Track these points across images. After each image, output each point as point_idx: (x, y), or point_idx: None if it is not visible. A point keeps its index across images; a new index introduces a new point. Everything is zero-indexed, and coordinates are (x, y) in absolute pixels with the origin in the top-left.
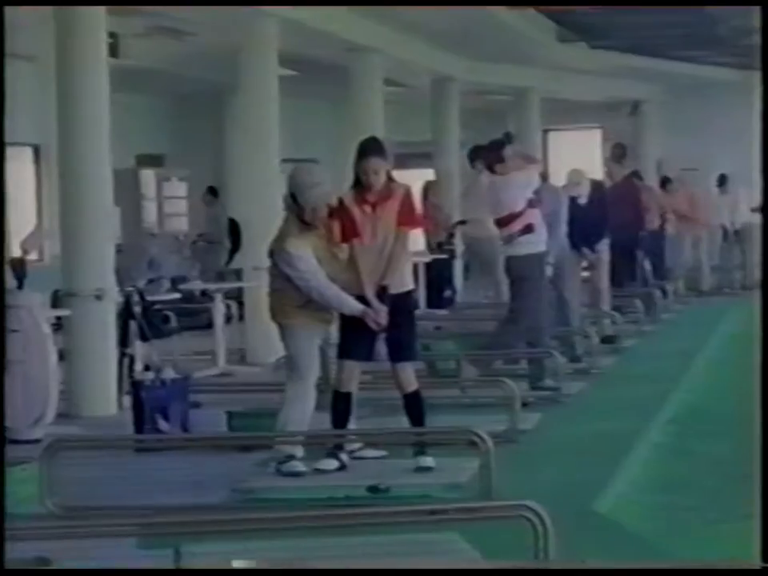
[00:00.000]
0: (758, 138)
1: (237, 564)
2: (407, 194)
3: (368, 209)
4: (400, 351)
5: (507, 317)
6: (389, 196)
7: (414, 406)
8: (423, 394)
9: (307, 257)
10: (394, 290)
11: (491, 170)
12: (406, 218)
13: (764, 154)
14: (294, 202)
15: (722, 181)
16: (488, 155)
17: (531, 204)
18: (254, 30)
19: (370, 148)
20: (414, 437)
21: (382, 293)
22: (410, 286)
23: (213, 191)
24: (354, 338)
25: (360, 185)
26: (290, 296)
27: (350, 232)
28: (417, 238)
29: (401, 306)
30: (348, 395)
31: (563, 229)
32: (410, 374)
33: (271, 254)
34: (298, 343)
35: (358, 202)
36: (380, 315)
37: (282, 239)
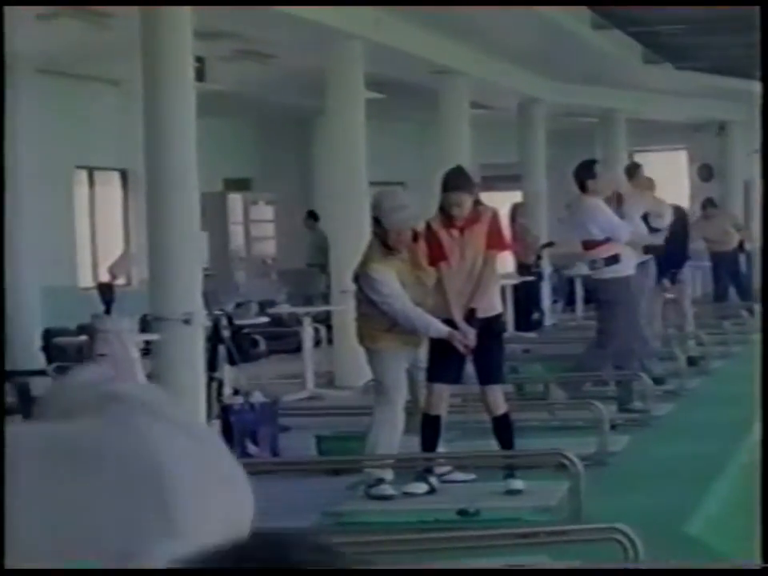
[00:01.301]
0: None
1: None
2: (495, 217)
3: (455, 232)
4: (489, 374)
5: (595, 339)
6: (476, 219)
7: (503, 429)
8: (512, 416)
9: (390, 281)
10: (483, 313)
11: (583, 188)
12: (495, 240)
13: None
14: (378, 225)
15: None
16: (580, 172)
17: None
18: (339, 53)
19: (454, 181)
20: (504, 459)
21: (470, 316)
22: (499, 309)
23: (313, 215)
24: (443, 361)
25: (447, 213)
26: (377, 320)
27: (437, 255)
28: (505, 261)
29: (489, 328)
30: (437, 418)
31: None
32: (498, 397)
33: (356, 278)
34: (385, 367)
35: (446, 225)
36: (468, 338)
37: (366, 264)
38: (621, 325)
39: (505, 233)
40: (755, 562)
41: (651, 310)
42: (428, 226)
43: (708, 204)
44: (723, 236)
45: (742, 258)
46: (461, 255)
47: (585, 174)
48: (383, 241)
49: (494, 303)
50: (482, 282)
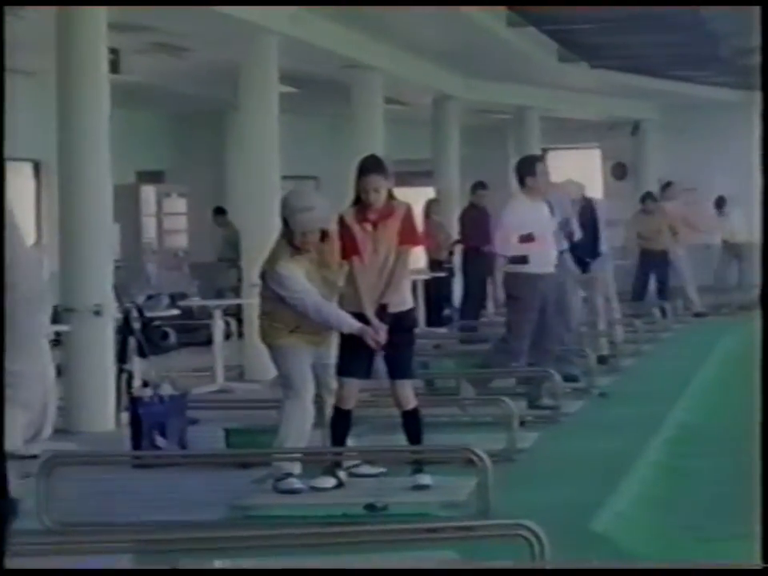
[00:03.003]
0: (757, 158)
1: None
2: (408, 212)
3: (368, 227)
4: (400, 369)
5: (501, 336)
6: (390, 214)
7: (412, 424)
8: (422, 412)
9: (299, 277)
10: (394, 308)
11: (522, 182)
12: (408, 236)
13: (764, 164)
14: (286, 225)
15: (720, 203)
16: (521, 168)
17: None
18: (253, 47)
19: (370, 165)
20: (412, 454)
21: (381, 311)
22: (410, 304)
23: (221, 210)
24: (353, 356)
25: (361, 202)
26: (281, 318)
27: (349, 250)
28: (417, 256)
29: (401, 324)
30: (348, 413)
31: (578, 234)
32: (409, 392)
33: (263, 275)
34: (290, 364)
35: (359, 219)
36: (379, 333)
37: (274, 261)
38: (525, 322)
39: (418, 228)
40: (755, 562)
41: (567, 304)
42: (341, 220)
43: (647, 197)
44: (656, 234)
45: (668, 259)
46: (373, 250)
47: (526, 170)
48: (290, 241)
49: (406, 298)
50: (394, 278)
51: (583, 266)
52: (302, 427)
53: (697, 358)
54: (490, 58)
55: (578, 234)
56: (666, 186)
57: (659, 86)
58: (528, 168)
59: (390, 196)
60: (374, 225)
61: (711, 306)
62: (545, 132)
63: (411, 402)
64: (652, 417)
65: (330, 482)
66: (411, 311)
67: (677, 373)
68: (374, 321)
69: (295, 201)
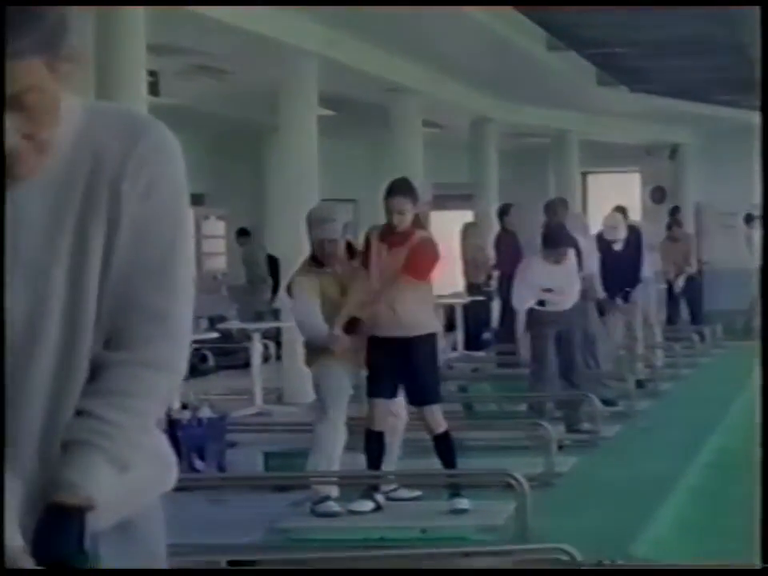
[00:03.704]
0: None
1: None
2: (421, 244)
3: (384, 249)
4: (422, 395)
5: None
6: (404, 241)
7: (445, 448)
8: (460, 435)
9: (302, 291)
10: (413, 331)
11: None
12: (409, 267)
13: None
14: (309, 238)
15: (749, 219)
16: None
17: None
18: (292, 70)
19: (397, 187)
20: (450, 478)
21: (352, 325)
22: (430, 329)
23: (244, 232)
24: (379, 376)
25: (387, 224)
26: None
27: (364, 266)
28: (455, 280)
29: (420, 348)
30: (380, 434)
31: (594, 264)
32: (437, 416)
33: (288, 290)
34: (322, 385)
35: (379, 239)
36: (337, 342)
37: (293, 275)
38: (538, 353)
39: (428, 261)
40: (755, 562)
41: (601, 330)
42: (366, 237)
43: (674, 224)
44: (684, 260)
45: (697, 284)
46: (380, 272)
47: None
48: (313, 255)
49: (421, 322)
50: (380, 299)
51: (625, 296)
52: (332, 449)
53: (735, 383)
54: (529, 82)
55: (600, 294)
56: (675, 210)
57: (698, 110)
58: (552, 238)
59: (417, 223)
60: (389, 248)
61: (741, 331)
62: (584, 156)
63: (441, 426)
64: (691, 441)
65: (368, 505)
66: (430, 336)
67: (715, 397)
68: (337, 329)
69: (317, 212)
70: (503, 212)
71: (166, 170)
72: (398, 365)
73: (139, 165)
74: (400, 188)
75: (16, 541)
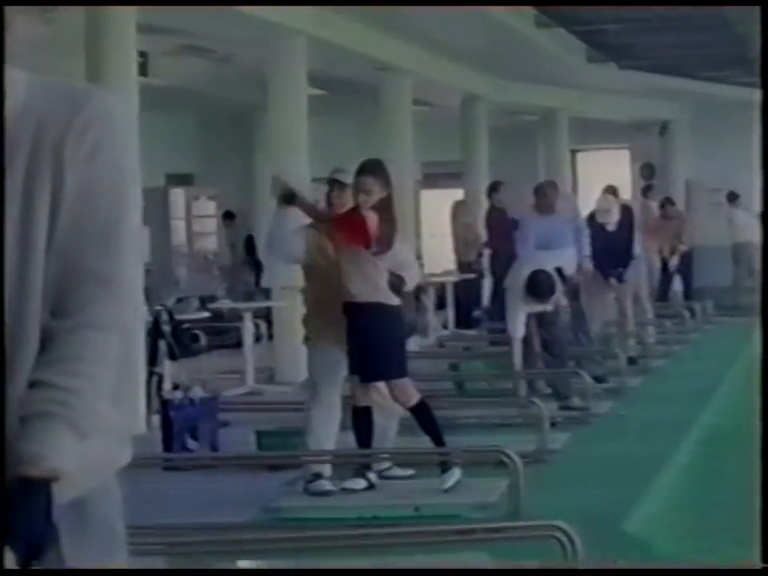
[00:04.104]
0: None
1: (239, 564)
2: (353, 212)
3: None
4: (378, 369)
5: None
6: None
7: (424, 418)
8: (452, 413)
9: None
10: (363, 298)
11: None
12: (348, 233)
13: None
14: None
15: (732, 197)
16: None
17: None
18: (282, 49)
19: (367, 168)
20: (443, 456)
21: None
22: (384, 299)
23: (229, 214)
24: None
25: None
26: (311, 320)
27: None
28: (446, 258)
29: (377, 319)
30: (367, 409)
31: (585, 241)
32: (406, 389)
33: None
34: (314, 364)
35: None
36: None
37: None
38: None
39: (365, 231)
40: (755, 562)
41: (594, 308)
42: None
43: (667, 203)
44: (677, 238)
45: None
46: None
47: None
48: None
49: (376, 290)
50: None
51: (618, 275)
52: (324, 428)
53: (726, 359)
54: (518, 59)
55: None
56: (647, 188)
57: (687, 86)
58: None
59: (386, 204)
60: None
61: (731, 308)
62: (573, 133)
63: (413, 397)
64: (682, 418)
65: (361, 483)
66: (390, 307)
67: (706, 374)
68: None
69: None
70: (493, 189)
71: (108, 136)
72: (358, 336)
73: (82, 131)
74: (370, 169)
75: None
